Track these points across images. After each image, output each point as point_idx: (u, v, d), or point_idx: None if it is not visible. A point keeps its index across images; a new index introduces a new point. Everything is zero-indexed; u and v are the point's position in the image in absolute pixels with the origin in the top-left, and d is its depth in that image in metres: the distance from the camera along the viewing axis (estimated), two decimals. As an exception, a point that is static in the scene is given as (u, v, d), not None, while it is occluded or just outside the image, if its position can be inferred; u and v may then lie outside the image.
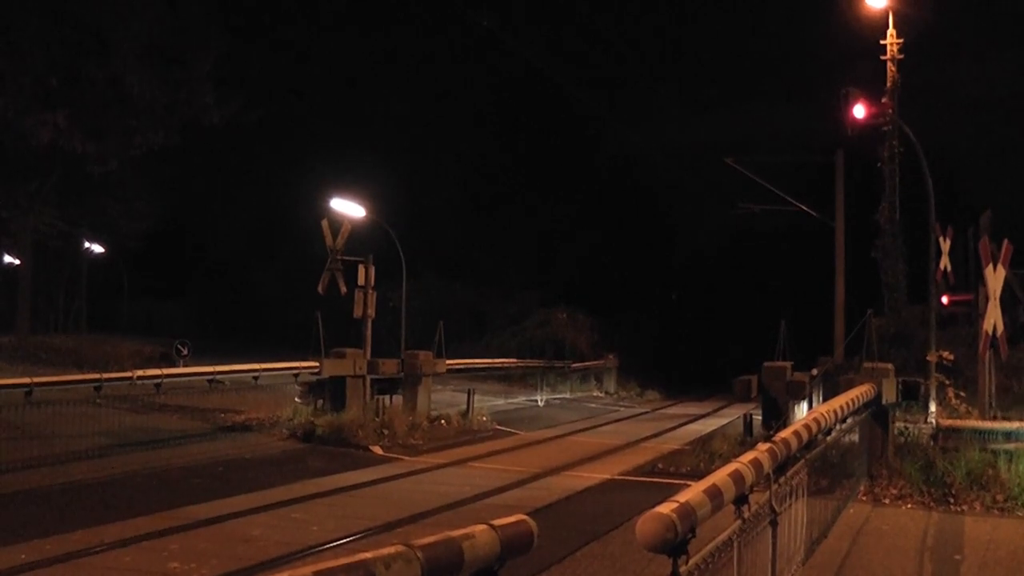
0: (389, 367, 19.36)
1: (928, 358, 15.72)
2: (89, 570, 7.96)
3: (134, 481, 12.38)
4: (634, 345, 39.64)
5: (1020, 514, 11.25)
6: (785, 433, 6.80)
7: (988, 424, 14.07)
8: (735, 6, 57.76)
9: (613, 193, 49.32)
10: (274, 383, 19.00)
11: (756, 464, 5.45)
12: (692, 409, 29.53)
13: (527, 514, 3.66)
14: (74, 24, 29.71)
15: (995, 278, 14.57)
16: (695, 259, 50.27)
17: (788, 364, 17.78)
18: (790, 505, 6.71)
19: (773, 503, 5.98)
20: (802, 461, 7.21)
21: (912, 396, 14.30)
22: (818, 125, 28.55)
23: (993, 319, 14.55)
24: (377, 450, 16.17)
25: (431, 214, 43.41)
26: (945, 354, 16.69)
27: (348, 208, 20.82)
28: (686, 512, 4.00)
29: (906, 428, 14.47)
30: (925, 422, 14.56)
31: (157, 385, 16.50)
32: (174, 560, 8.26)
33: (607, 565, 8.62)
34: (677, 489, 4.50)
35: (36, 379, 14.18)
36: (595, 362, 36.08)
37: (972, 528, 10.56)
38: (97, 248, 43.72)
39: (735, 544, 5.01)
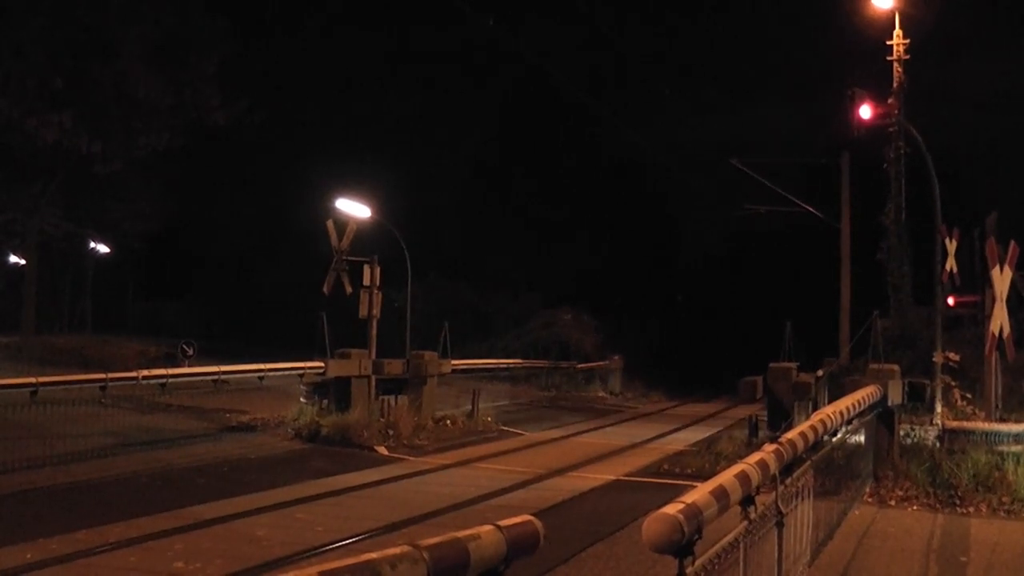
0: (394, 368, 19.34)
1: (934, 359, 15.67)
2: (94, 570, 7.96)
3: (139, 481, 12.40)
4: (639, 346, 39.59)
5: (1027, 516, 11.23)
6: (791, 434, 6.78)
7: (995, 426, 14.03)
8: (739, 7, 57.66)
9: (618, 194, 49.28)
10: (279, 383, 18.99)
11: (762, 465, 5.43)
12: (697, 410, 29.47)
13: (533, 515, 3.64)
14: (79, 25, 29.77)
15: (1002, 280, 14.54)
16: (700, 260, 50.17)
17: (793, 365, 17.76)
18: (796, 506, 6.69)
19: (779, 504, 5.96)
20: (808, 462, 7.19)
21: (918, 398, 14.25)
22: (823, 126, 28.52)
23: (1000, 321, 14.51)
24: (382, 450, 16.17)
25: (436, 215, 43.41)
26: (951, 355, 16.65)
27: (353, 208, 20.83)
28: (693, 513, 3.99)
29: (912, 430, 14.42)
30: (931, 424, 14.51)
31: (162, 385, 16.49)
32: (179, 560, 8.26)
33: (612, 566, 8.60)
34: (683, 490, 4.49)
35: (41, 379, 14.15)
36: (600, 363, 36.03)
37: (978, 530, 10.53)
38: (102, 248, 43.82)
39: (741, 545, 4.99)
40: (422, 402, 19.45)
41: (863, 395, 11.07)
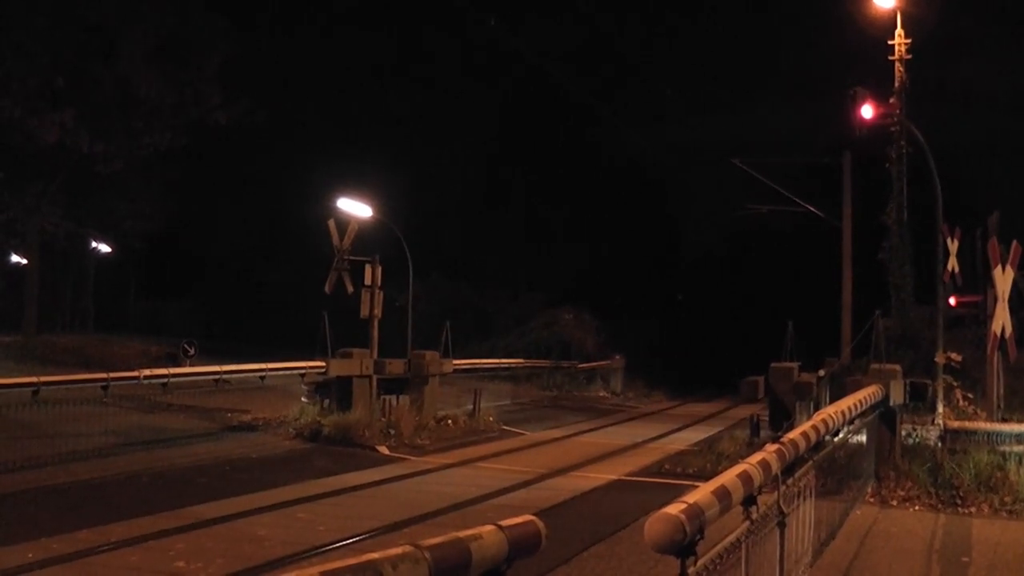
0: (396, 367, 19.34)
1: (936, 359, 15.66)
2: (95, 569, 7.97)
3: (140, 480, 12.40)
4: (640, 345, 39.56)
5: (1029, 516, 11.21)
6: (793, 434, 6.78)
7: (996, 426, 14.02)
8: (740, 7, 57.63)
9: (618, 194, 49.28)
10: (280, 383, 19.00)
11: (764, 465, 5.43)
12: (699, 409, 29.48)
13: (534, 514, 3.64)
14: (80, 24, 29.79)
15: (1003, 279, 14.53)
16: (701, 260, 50.18)
17: (795, 365, 17.75)
18: (798, 506, 6.69)
19: (781, 504, 5.96)
20: (810, 462, 7.18)
21: (920, 398, 14.25)
22: (825, 126, 28.49)
23: (1001, 320, 14.50)
24: (383, 450, 16.17)
25: (437, 214, 43.40)
26: (953, 355, 16.62)
27: (355, 208, 20.84)
28: (695, 513, 3.98)
29: (914, 430, 14.42)
30: (932, 424, 14.50)
31: (164, 385, 16.50)
32: (180, 559, 8.26)
33: (614, 566, 8.60)
34: (685, 490, 4.48)
35: (43, 378, 14.15)
36: (601, 362, 36.03)
37: (980, 530, 10.53)
38: (104, 248, 43.83)
39: (743, 545, 4.99)
40: (423, 402, 19.45)
41: (865, 395, 11.06)
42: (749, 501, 5.07)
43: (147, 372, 16.52)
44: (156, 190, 38.70)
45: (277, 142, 45.06)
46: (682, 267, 51.23)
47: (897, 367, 13.99)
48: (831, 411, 8.85)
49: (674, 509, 3.91)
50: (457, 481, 13.49)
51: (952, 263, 16.29)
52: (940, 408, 14.99)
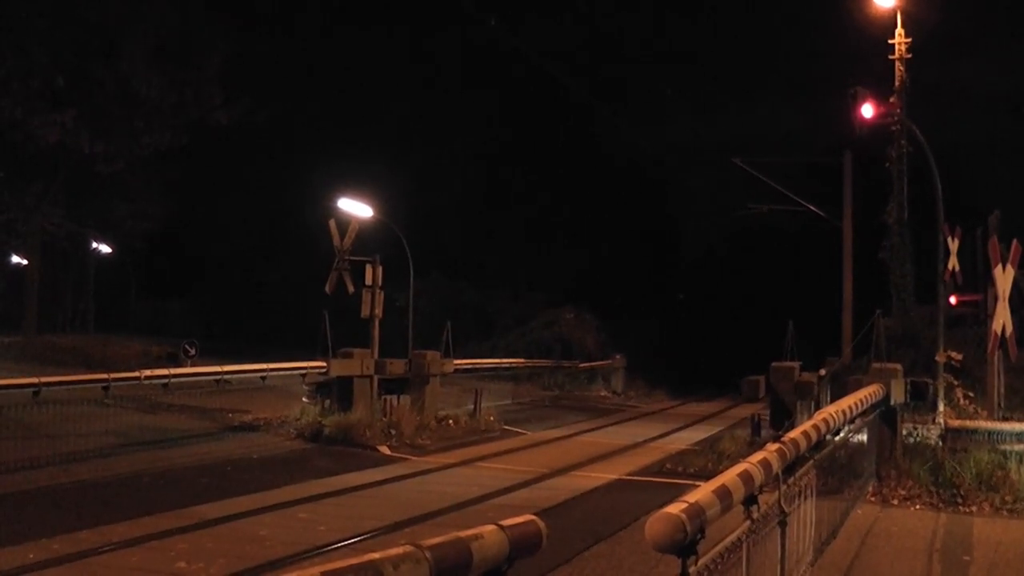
0: (396, 367, 19.34)
1: (936, 359, 15.65)
2: (97, 569, 7.97)
3: (141, 481, 12.40)
4: (641, 345, 39.56)
5: (1030, 515, 11.20)
6: (794, 433, 6.78)
7: (997, 425, 14.02)
8: (741, 6, 57.56)
9: (619, 194, 49.27)
10: (281, 383, 18.98)
11: (765, 464, 5.43)
12: (699, 409, 29.49)
13: (535, 514, 3.64)
14: (81, 25, 29.80)
15: (1004, 278, 14.53)
16: (701, 260, 50.20)
17: (796, 364, 17.76)
18: (799, 506, 6.69)
19: (782, 504, 5.96)
20: (811, 462, 7.18)
21: (920, 397, 14.25)
22: (826, 125, 28.49)
23: (1002, 319, 14.50)
24: (384, 450, 16.17)
25: (438, 214, 43.40)
26: (953, 355, 16.61)
27: (355, 208, 20.84)
28: (696, 512, 3.98)
29: (914, 429, 14.41)
30: (933, 423, 14.49)
31: (164, 385, 16.48)
32: (181, 560, 8.26)
33: (615, 565, 8.60)
34: (685, 489, 4.48)
35: (44, 379, 14.13)
36: (603, 362, 36.04)
37: (981, 529, 10.53)
38: (104, 248, 43.85)
39: (744, 545, 4.99)
40: (424, 401, 19.43)
41: (865, 394, 11.06)
42: (750, 500, 5.07)
43: (148, 372, 16.50)
44: (156, 190, 38.67)
45: (277, 142, 45.10)
46: (682, 267, 51.23)
47: (898, 366, 13.99)
48: (832, 410, 8.85)
49: (675, 508, 3.91)
50: (458, 481, 13.49)
51: (953, 262, 16.27)
52: (941, 407, 14.98)
